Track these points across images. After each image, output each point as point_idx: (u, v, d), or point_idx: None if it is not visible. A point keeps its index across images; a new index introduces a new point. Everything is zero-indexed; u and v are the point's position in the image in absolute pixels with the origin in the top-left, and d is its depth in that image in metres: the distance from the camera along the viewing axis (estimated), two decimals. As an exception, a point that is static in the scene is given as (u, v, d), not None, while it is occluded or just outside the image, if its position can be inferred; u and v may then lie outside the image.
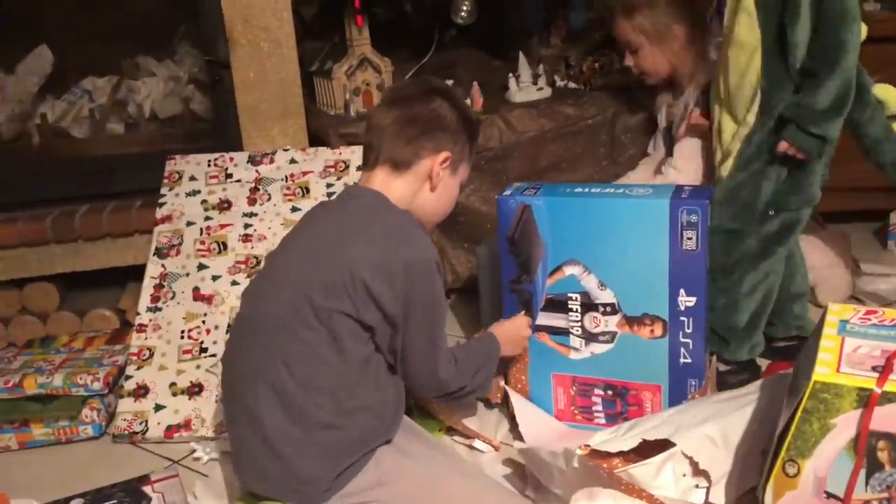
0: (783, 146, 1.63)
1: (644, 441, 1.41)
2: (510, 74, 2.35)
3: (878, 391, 1.10)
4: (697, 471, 1.38)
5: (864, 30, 1.61)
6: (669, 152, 2.06)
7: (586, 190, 1.62)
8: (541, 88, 2.37)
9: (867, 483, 1.15)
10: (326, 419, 1.33)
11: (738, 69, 1.68)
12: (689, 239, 1.51)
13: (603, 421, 1.69)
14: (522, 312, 1.69)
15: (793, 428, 1.17)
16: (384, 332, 1.37)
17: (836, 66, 1.56)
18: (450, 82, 2.36)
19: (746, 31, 1.64)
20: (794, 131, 1.61)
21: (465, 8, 2.27)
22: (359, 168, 2.06)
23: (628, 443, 1.43)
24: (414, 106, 1.45)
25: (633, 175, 2.19)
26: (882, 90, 1.76)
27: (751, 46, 1.64)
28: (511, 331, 1.66)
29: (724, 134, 1.74)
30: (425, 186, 1.47)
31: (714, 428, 1.40)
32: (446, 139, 1.46)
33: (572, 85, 2.46)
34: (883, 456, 1.13)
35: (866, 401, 1.11)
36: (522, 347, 1.70)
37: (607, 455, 1.43)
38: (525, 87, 2.36)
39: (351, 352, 1.34)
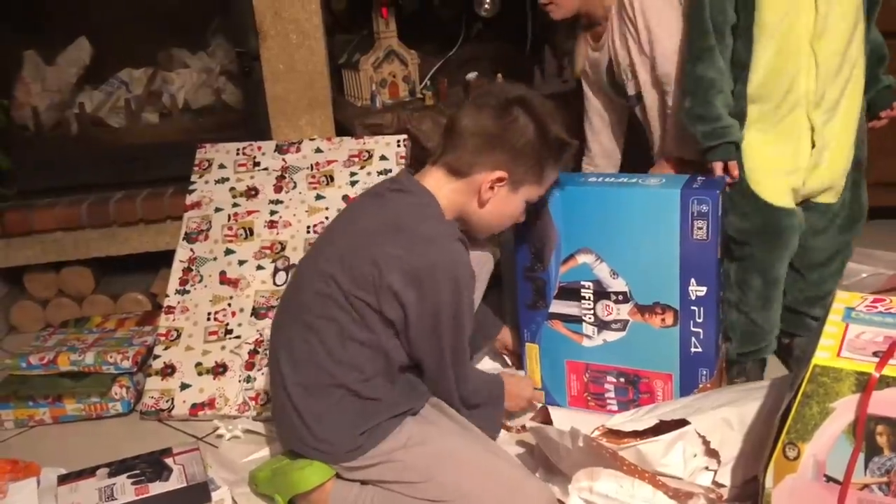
0: None
1: (661, 422, 1.43)
2: (535, 67, 2.38)
3: (877, 375, 1.11)
4: (709, 451, 1.39)
5: None
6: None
7: (599, 179, 1.64)
8: (565, 80, 2.40)
9: (866, 467, 1.15)
10: (350, 387, 1.41)
11: (842, 41, 1.47)
12: (700, 229, 1.52)
13: (615, 408, 1.71)
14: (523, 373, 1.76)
15: (793, 411, 1.18)
16: (404, 335, 1.41)
17: None
18: (474, 74, 2.39)
19: None
20: None
21: (487, 1, 2.31)
22: (382, 158, 2.11)
23: (644, 423, 1.45)
24: (489, 116, 1.42)
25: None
26: None
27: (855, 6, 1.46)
28: (515, 386, 1.65)
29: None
30: (474, 200, 1.46)
31: (732, 411, 1.42)
32: (506, 159, 1.42)
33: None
34: (882, 440, 1.13)
35: (864, 385, 1.12)
36: (524, 406, 1.69)
37: (621, 434, 1.46)
38: (550, 79, 2.39)
39: (378, 337, 1.40)
